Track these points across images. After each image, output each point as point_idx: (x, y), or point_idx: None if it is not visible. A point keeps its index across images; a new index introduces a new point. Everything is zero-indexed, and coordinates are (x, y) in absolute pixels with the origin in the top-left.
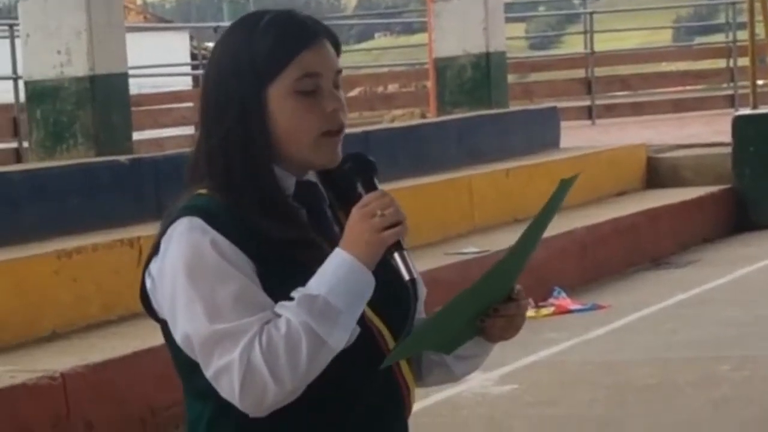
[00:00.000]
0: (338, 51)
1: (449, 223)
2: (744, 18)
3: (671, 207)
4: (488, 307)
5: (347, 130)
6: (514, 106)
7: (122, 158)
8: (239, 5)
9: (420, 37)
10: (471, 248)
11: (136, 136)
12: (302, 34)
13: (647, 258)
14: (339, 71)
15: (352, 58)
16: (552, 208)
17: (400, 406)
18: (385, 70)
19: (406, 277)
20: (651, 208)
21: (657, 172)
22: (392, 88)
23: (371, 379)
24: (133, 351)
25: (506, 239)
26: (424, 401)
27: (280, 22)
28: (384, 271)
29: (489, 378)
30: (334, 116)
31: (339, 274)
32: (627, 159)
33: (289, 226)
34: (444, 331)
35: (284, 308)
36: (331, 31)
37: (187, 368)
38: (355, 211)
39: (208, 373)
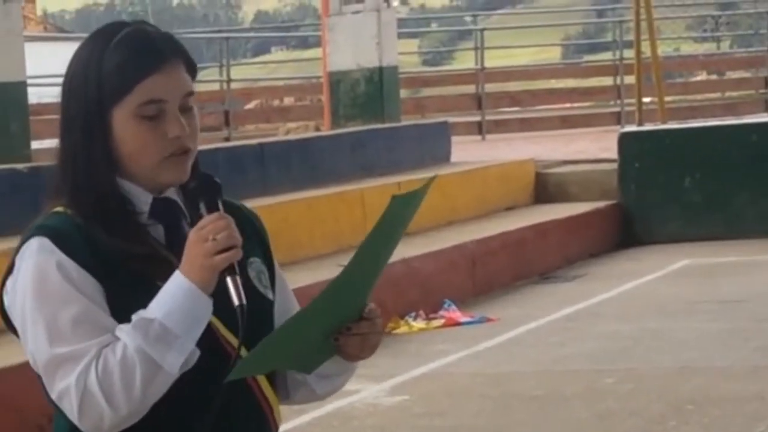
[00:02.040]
0: (192, 71)
1: (342, 235)
2: (631, 36)
3: (559, 222)
4: (340, 325)
5: (243, 142)
6: (406, 121)
7: (20, 166)
8: (138, 16)
9: (315, 52)
10: None
11: (35, 145)
12: (150, 57)
13: (535, 272)
14: (190, 93)
15: (248, 71)
16: (389, 223)
17: (265, 424)
18: (281, 83)
19: (236, 302)
20: (539, 222)
21: (545, 188)
22: (288, 101)
23: (225, 395)
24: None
25: (399, 251)
26: (317, 411)
27: (132, 40)
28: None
29: (380, 389)
30: (176, 142)
31: (176, 297)
32: (516, 174)
33: (136, 243)
34: (293, 348)
35: (122, 332)
36: (185, 51)
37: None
38: (192, 234)
39: (53, 395)
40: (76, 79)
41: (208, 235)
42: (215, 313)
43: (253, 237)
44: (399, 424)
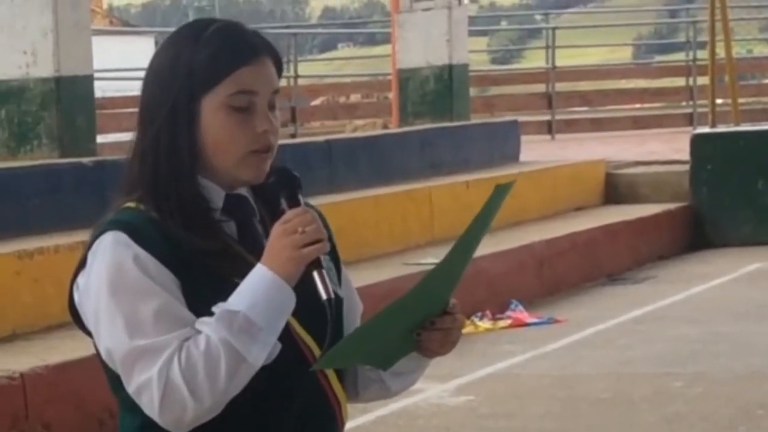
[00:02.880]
0: (279, 70)
1: (409, 234)
2: (704, 37)
3: (628, 223)
4: (423, 320)
5: (310, 138)
6: (476, 119)
7: (86, 160)
8: (205, 11)
9: (382, 49)
10: (430, 259)
11: (100, 139)
12: (244, 50)
13: (604, 273)
14: (276, 91)
15: (315, 68)
16: (487, 215)
17: (333, 422)
18: (348, 80)
19: (324, 296)
20: (608, 223)
21: (615, 188)
22: (354, 98)
23: (299, 393)
24: (92, 353)
25: None
26: (382, 410)
27: (224, 33)
28: (313, 286)
29: (445, 389)
30: (264, 137)
31: (259, 290)
32: (586, 174)
33: (210, 239)
34: (376, 343)
35: (204, 324)
36: (274, 49)
37: (116, 381)
38: (277, 227)
39: (130, 389)
40: (163, 70)
41: (296, 227)
42: None
43: None
44: (464, 424)
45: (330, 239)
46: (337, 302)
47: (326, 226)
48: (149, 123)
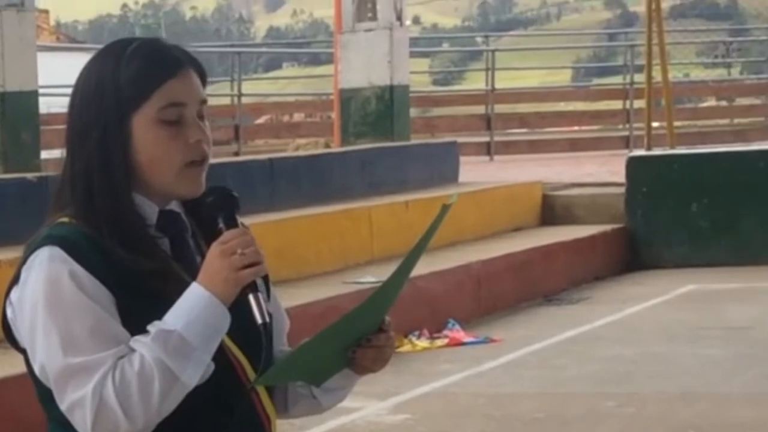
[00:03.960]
0: (204, 81)
1: (348, 253)
2: (642, 61)
3: (564, 244)
4: (360, 338)
5: (253, 157)
6: (416, 140)
7: (30, 176)
8: (151, 29)
9: (326, 69)
10: (369, 278)
11: (44, 155)
12: (167, 63)
13: (540, 294)
14: (204, 101)
15: (259, 87)
16: (430, 234)
17: None
18: (292, 99)
19: (259, 320)
20: (545, 244)
21: (552, 210)
22: (298, 117)
23: (231, 411)
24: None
25: None
26: (319, 427)
27: (146, 50)
28: (247, 305)
29: (383, 407)
30: (198, 147)
31: (195, 309)
32: (523, 195)
33: (148, 257)
34: (313, 361)
35: (139, 343)
36: (197, 60)
37: (48, 397)
38: (215, 247)
39: (63, 406)
40: (89, 90)
41: (235, 248)
42: None
43: None
44: None
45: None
46: (267, 327)
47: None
48: (80, 143)
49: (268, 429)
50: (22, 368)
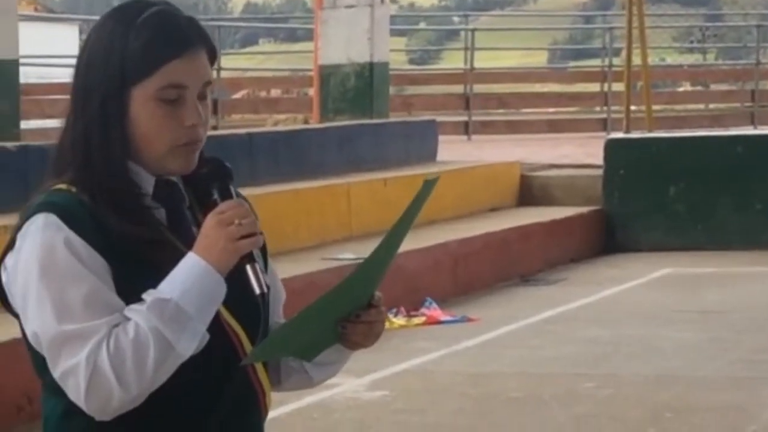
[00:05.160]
0: (213, 60)
1: (327, 229)
2: (620, 44)
3: (542, 225)
4: (349, 313)
5: (232, 131)
6: (394, 118)
7: (9, 145)
8: None
9: (303, 45)
10: (347, 254)
11: (22, 125)
12: (176, 40)
13: (517, 274)
14: (208, 82)
15: (236, 62)
16: (414, 210)
17: (256, 410)
18: (270, 74)
19: (257, 290)
20: (522, 225)
21: (529, 191)
22: (275, 93)
23: (227, 382)
24: (12, 338)
25: None
26: (297, 403)
27: (158, 21)
28: (243, 276)
29: (361, 383)
30: (192, 130)
31: (192, 279)
32: (501, 176)
33: (143, 225)
34: (303, 336)
35: (134, 312)
36: (207, 37)
37: (41, 364)
38: (211, 217)
39: (56, 373)
40: (96, 55)
41: (232, 219)
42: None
43: None
44: (379, 419)
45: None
46: (265, 297)
47: (257, 217)
48: (81, 109)
49: (262, 402)
50: (2, 337)
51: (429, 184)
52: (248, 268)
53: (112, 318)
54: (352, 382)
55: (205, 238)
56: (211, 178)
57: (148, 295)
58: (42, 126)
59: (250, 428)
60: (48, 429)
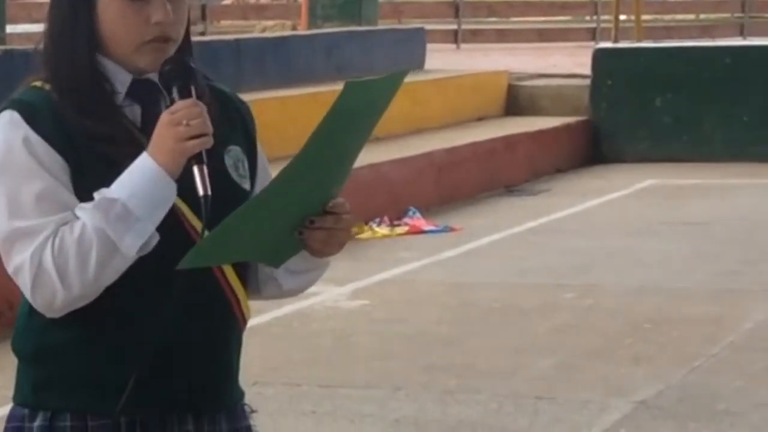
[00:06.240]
0: None
1: None
2: None
3: (528, 135)
4: (303, 218)
5: (219, 37)
6: (383, 25)
7: None
8: None
9: None
10: None
11: (9, 29)
12: None
13: (501, 184)
14: None
15: None
16: (347, 112)
17: (229, 317)
18: None
19: (201, 192)
20: (508, 134)
21: (517, 100)
22: None
23: (188, 286)
24: None
25: (367, 156)
26: (277, 311)
27: None
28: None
29: (341, 293)
30: (158, 27)
31: (141, 179)
32: (488, 85)
33: (105, 122)
34: (253, 239)
35: (82, 210)
36: None
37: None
38: (164, 116)
39: (9, 269)
40: None
41: (181, 119)
42: (183, 199)
43: (238, 124)
44: (359, 328)
45: (248, 131)
46: (239, 194)
47: (248, 117)
48: (54, 10)
49: (237, 309)
50: None
51: (395, 79)
52: (195, 169)
53: (62, 216)
54: (332, 291)
55: (157, 138)
56: (173, 76)
57: (98, 194)
58: (28, 30)
59: (225, 336)
60: (18, 326)
